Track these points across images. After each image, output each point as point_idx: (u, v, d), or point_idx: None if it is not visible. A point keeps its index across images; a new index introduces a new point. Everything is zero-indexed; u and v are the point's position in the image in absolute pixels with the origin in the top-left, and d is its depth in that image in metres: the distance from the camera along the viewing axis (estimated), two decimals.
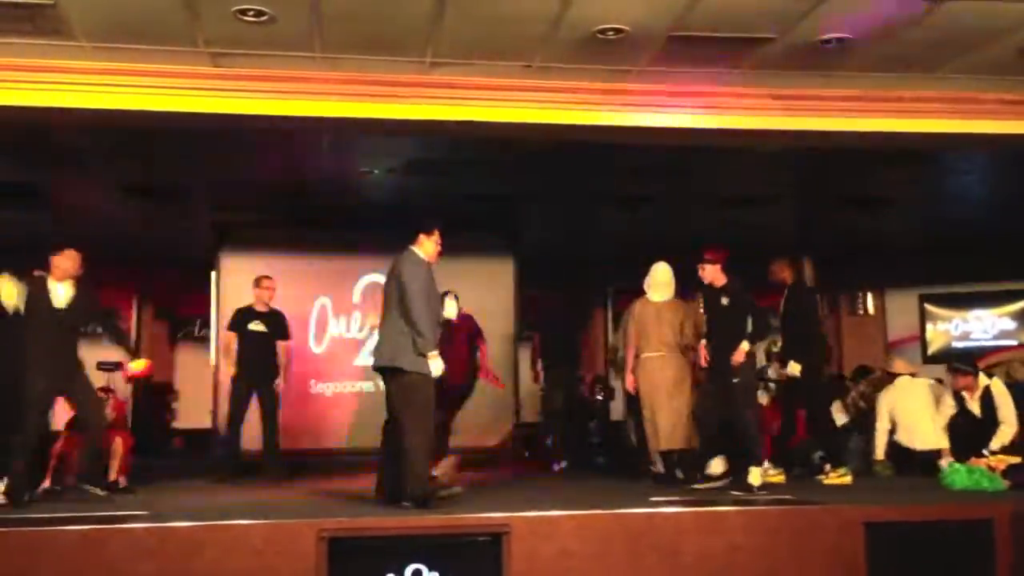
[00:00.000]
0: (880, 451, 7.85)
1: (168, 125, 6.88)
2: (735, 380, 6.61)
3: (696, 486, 6.63)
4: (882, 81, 6.65)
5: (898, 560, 5.30)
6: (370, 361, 6.47)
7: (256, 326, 8.20)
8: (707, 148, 7.80)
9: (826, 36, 5.95)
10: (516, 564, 4.92)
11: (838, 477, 7.11)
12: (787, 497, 5.95)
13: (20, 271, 6.45)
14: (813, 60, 6.30)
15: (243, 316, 8.28)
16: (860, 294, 13.52)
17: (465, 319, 8.06)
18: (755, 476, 6.45)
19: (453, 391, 7.59)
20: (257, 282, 8.42)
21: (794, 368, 7.42)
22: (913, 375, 8.25)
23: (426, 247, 6.07)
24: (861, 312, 13.51)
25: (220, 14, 5.51)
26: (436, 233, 6.11)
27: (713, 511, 5.44)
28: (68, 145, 7.80)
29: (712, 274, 6.97)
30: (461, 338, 8.03)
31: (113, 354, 9.08)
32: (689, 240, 11.58)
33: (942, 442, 7.55)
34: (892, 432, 7.87)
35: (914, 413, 7.81)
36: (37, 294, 6.41)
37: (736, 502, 5.73)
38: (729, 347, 6.67)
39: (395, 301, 5.84)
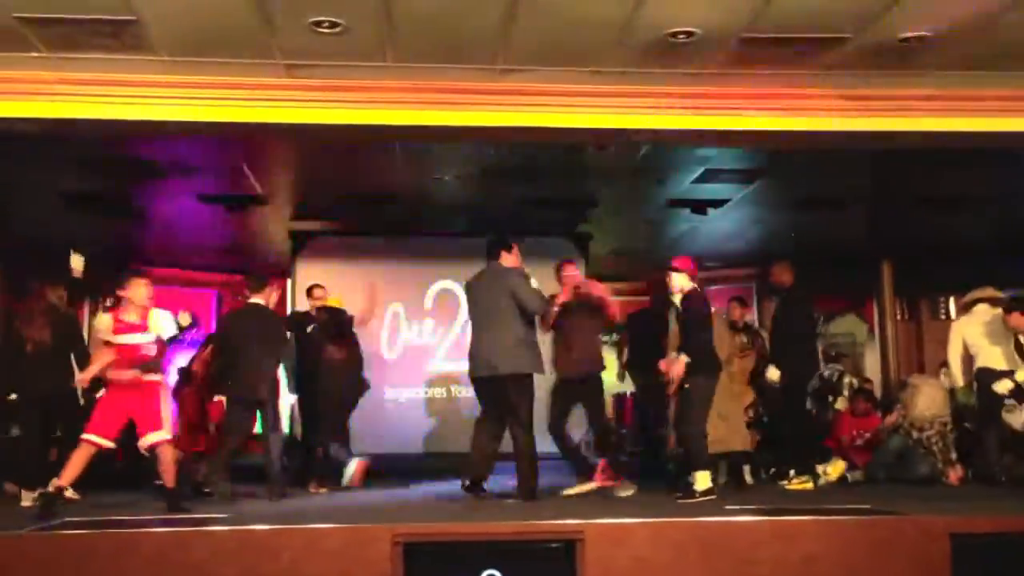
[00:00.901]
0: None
1: (245, 136, 7.05)
2: (685, 387, 6.54)
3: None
4: (962, 80, 6.48)
5: (985, 573, 5.12)
6: (445, 367, 6.68)
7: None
8: (779, 151, 7.70)
9: (904, 35, 5.82)
10: (589, 571, 4.88)
11: (800, 484, 7.03)
12: (865, 506, 5.80)
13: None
14: (890, 59, 6.16)
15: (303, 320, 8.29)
16: (942, 298, 13.17)
17: None
18: (701, 480, 6.36)
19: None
20: (309, 291, 8.39)
21: (773, 375, 7.42)
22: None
23: (512, 260, 6.72)
24: (943, 316, 13.15)
25: (295, 26, 5.62)
26: (515, 247, 6.76)
27: (789, 520, 5.33)
28: (149, 156, 8.01)
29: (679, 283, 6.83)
30: None
31: None
32: (761, 242, 11.68)
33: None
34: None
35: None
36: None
37: (813, 511, 5.61)
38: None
39: (511, 313, 6.44)
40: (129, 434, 6.19)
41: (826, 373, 9.87)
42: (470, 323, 6.76)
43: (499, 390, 6.43)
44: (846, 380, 9.78)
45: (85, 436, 5.89)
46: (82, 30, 5.66)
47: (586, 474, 6.96)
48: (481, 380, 6.55)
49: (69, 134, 6.86)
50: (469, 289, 6.85)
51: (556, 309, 7.02)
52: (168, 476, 6.06)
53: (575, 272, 7.55)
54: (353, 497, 6.96)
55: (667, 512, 5.55)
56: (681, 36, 5.80)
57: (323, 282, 8.50)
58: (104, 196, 9.18)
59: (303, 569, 4.80)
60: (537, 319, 6.77)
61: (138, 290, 6.16)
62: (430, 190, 9.18)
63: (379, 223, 10.42)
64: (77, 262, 7.07)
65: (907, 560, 5.07)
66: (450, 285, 10.50)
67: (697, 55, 6.09)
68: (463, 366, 7.05)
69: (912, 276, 12.30)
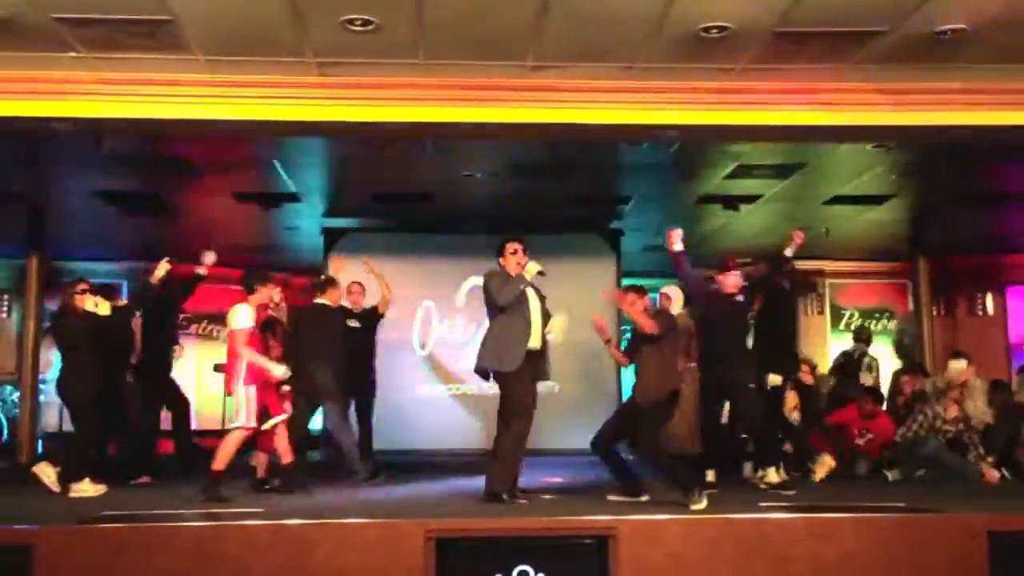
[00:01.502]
0: None
1: (278, 134, 7.10)
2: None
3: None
4: (1000, 73, 6.39)
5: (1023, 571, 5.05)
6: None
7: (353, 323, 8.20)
8: (815, 146, 7.62)
9: (941, 27, 5.74)
10: (622, 567, 4.88)
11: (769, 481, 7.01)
12: (901, 504, 5.74)
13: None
14: (927, 53, 6.09)
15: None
16: (979, 294, 12.99)
17: None
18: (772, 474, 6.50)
19: None
20: (348, 289, 8.40)
21: (775, 380, 7.35)
22: None
23: (504, 262, 6.36)
24: (980, 313, 12.97)
25: (328, 24, 5.66)
26: (508, 248, 6.35)
27: (825, 518, 5.28)
28: (185, 155, 8.10)
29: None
30: None
31: None
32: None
33: None
34: None
35: None
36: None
37: (849, 509, 5.55)
38: None
39: (489, 312, 6.32)
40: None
41: (849, 348, 10.18)
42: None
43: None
44: (866, 360, 9.74)
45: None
46: (119, 30, 5.73)
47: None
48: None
49: (106, 133, 6.94)
50: None
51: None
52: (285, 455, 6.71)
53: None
54: (386, 492, 6.98)
55: (704, 509, 5.54)
56: (714, 31, 5.77)
57: (355, 278, 8.54)
58: (139, 195, 9.29)
59: (336, 563, 4.84)
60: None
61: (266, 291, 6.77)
62: (462, 187, 9.19)
63: (411, 220, 10.46)
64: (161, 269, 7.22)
65: (944, 558, 5.02)
66: (482, 282, 10.48)
67: (730, 50, 6.06)
68: None
69: (949, 272, 12.16)
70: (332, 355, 7.52)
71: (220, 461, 6.25)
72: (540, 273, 6.29)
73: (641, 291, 6.58)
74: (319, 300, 7.78)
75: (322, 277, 8.08)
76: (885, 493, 6.78)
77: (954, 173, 8.72)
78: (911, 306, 12.29)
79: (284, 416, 6.71)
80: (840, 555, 5.00)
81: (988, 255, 12.30)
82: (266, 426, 6.57)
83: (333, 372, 7.49)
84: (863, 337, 10.42)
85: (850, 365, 10.03)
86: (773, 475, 7.00)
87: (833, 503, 5.82)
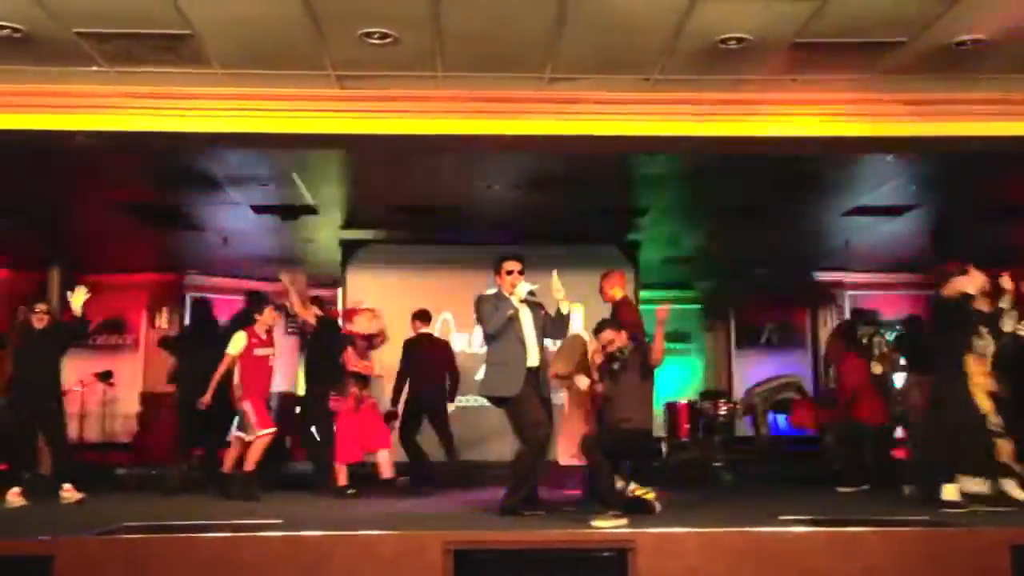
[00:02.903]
0: None
1: (297, 146, 7.14)
2: None
3: None
4: (1020, 83, 6.36)
5: None
6: None
7: None
8: (834, 157, 7.59)
9: (960, 38, 5.72)
10: None
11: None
12: (926, 518, 5.68)
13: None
14: (947, 63, 6.08)
15: None
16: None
17: None
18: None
19: None
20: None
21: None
22: None
23: (501, 281, 6.41)
24: None
25: (346, 38, 5.70)
26: (505, 266, 6.38)
27: (847, 532, 5.22)
28: (205, 168, 8.15)
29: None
30: None
31: None
32: (816, 250, 11.54)
33: None
34: None
35: None
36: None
37: (872, 522, 5.49)
38: None
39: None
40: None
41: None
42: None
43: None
44: (876, 340, 9.47)
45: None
46: (140, 44, 5.80)
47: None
48: None
49: (127, 146, 7.00)
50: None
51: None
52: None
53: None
54: (405, 504, 6.98)
55: (721, 522, 5.49)
56: (731, 42, 5.77)
57: (372, 290, 8.62)
58: (159, 207, 9.36)
59: (354, 575, 4.83)
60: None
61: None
62: (479, 199, 9.20)
63: (429, 232, 10.47)
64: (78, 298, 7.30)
65: (967, 573, 4.95)
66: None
67: (748, 61, 6.05)
68: None
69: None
70: (434, 379, 8.62)
71: (251, 463, 7.22)
72: (531, 293, 6.29)
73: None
74: (424, 330, 8.66)
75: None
76: (907, 506, 6.70)
77: (975, 184, 8.64)
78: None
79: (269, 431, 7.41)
80: (862, 569, 4.94)
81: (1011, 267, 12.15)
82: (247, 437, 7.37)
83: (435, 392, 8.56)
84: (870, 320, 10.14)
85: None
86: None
87: (855, 516, 5.76)
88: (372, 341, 8.22)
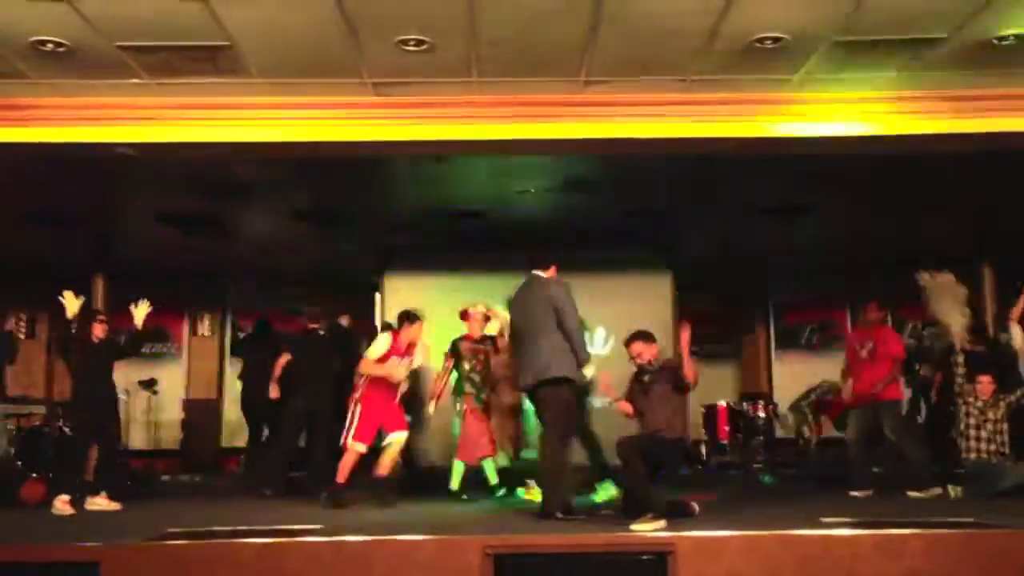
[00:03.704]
0: None
1: (336, 154, 7.20)
2: None
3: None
4: None
5: None
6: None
7: None
8: (874, 155, 7.50)
9: (1001, 33, 5.64)
10: None
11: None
12: (972, 520, 5.59)
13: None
14: (988, 59, 5.98)
15: None
16: None
17: None
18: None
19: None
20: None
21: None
22: None
23: (556, 275, 6.46)
24: None
25: (383, 46, 5.74)
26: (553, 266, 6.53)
27: (891, 534, 5.14)
28: (244, 177, 8.26)
29: None
30: None
31: None
32: (855, 249, 11.40)
33: None
34: None
35: None
36: None
37: (917, 524, 5.42)
38: None
39: (551, 323, 6.17)
40: None
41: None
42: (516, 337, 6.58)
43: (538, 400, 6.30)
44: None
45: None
46: (180, 56, 5.89)
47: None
48: (528, 392, 6.43)
49: (167, 157, 7.11)
50: (513, 304, 6.66)
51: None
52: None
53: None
54: (444, 508, 7.01)
55: (762, 524, 5.44)
56: (768, 42, 5.73)
57: (411, 295, 8.63)
58: (198, 215, 9.49)
59: None
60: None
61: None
62: (515, 203, 9.22)
63: (466, 236, 10.50)
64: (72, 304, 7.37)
65: (1012, 575, 4.87)
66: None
67: (786, 60, 6.02)
68: None
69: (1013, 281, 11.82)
70: None
71: (341, 475, 7.08)
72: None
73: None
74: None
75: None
76: (952, 507, 6.62)
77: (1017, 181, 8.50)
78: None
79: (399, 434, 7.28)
80: (906, 572, 4.87)
81: None
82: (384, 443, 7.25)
83: None
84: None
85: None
86: None
87: (899, 519, 5.69)
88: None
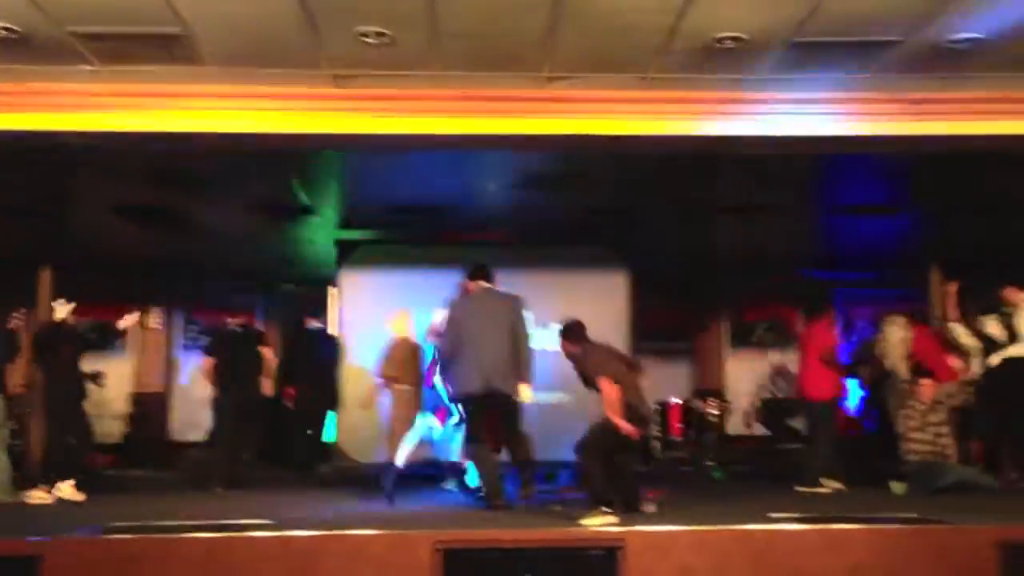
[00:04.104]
0: None
1: (293, 146, 7.12)
2: None
3: None
4: (1013, 82, 6.37)
5: None
6: None
7: None
8: (828, 155, 7.60)
9: (956, 36, 5.74)
10: None
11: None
12: (914, 515, 5.70)
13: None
14: (942, 62, 6.08)
15: None
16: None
17: None
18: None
19: None
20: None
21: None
22: None
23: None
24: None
25: (342, 36, 5.69)
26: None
27: (837, 529, 5.24)
28: (199, 167, 8.14)
29: None
30: None
31: None
32: (810, 249, 11.55)
33: None
34: None
35: None
36: None
37: (861, 520, 5.51)
38: None
39: (509, 334, 6.65)
40: None
41: None
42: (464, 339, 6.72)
43: (494, 404, 6.64)
44: None
45: None
46: (133, 43, 5.79)
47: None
48: (478, 396, 6.61)
49: (119, 146, 6.99)
50: (464, 307, 6.89)
51: None
52: None
53: None
54: (395, 503, 6.99)
55: (711, 520, 5.50)
56: (728, 41, 5.77)
57: (368, 290, 8.57)
58: (152, 208, 9.35)
59: (345, 574, 4.83)
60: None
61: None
62: (475, 198, 9.20)
63: (424, 232, 10.46)
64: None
65: (955, 570, 4.99)
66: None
67: (745, 60, 6.06)
68: None
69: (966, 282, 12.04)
70: None
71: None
72: None
73: None
74: None
75: None
76: (896, 503, 6.74)
77: (968, 182, 8.65)
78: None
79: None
80: (850, 566, 4.96)
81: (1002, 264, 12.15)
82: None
83: None
84: None
85: None
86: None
87: (844, 514, 5.78)
88: None
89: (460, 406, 7.00)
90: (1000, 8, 5.41)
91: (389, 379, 8.02)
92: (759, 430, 11.35)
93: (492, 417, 6.71)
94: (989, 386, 7.90)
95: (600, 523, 5.39)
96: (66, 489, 7.17)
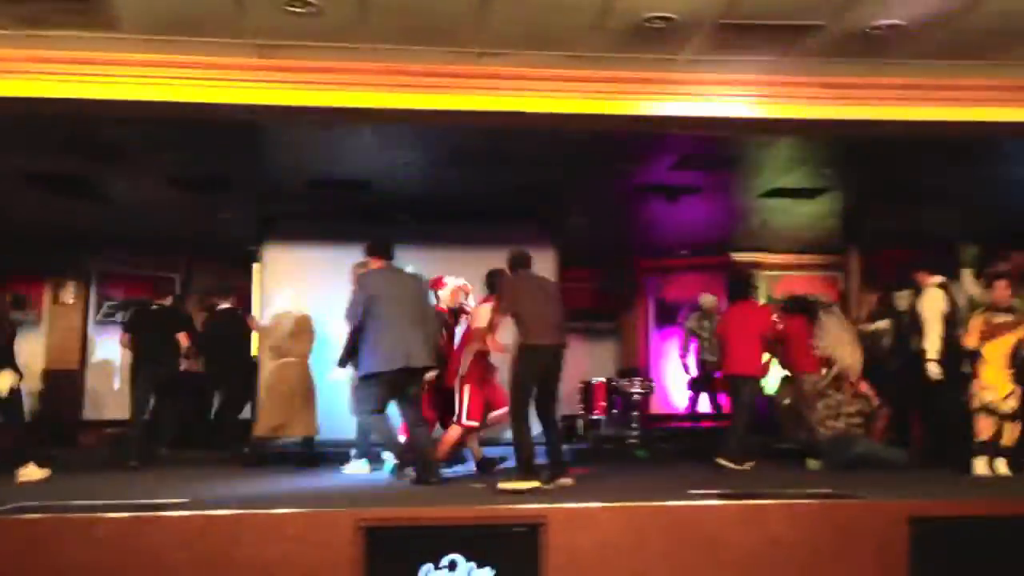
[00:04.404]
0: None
1: (215, 117, 6.94)
2: None
3: None
4: (936, 69, 6.51)
5: (944, 556, 5.16)
6: None
7: None
8: (754, 138, 7.71)
9: (877, 22, 5.84)
10: (553, 555, 4.88)
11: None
12: (829, 491, 5.85)
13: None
14: (864, 47, 6.18)
15: None
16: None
17: None
18: None
19: None
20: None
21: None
22: None
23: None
24: None
25: (267, 6, 5.55)
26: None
27: (754, 504, 5.36)
28: (117, 137, 7.90)
29: None
30: None
31: None
32: (728, 232, 11.75)
33: None
34: None
35: None
36: None
37: (778, 495, 5.64)
38: None
39: (421, 312, 6.89)
40: None
41: None
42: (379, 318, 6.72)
43: (409, 381, 6.75)
44: None
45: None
46: (49, 7, 5.56)
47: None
48: (398, 372, 6.63)
49: (33, 113, 6.73)
50: (378, 285, 6.88)
51: None
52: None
53: None
54: (319, 481, 6.92)
55: (633, 496, 5.56)
56: (657, 21, 5.78)
57: (291, 267, 8.47)
58: (68, 178, 9.04)
59: (264, 554, 4.75)
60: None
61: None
62: (401, 174, 9.10)
63: (349, 208, 10.31)
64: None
65: (868, 544, 5.14)
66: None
67: (674, 40, 6.08)
68: None
69: (881, 264, 12.39)
70: None
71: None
72: None
73: None
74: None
75: None
76: (812, 479, 6.92)
77: (887, 168, 8.87)
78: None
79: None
80: (768, 540, 5.07)
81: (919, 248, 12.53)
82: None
83: None
84: None
85: None
86: None
87: (762, 489, 5.90)
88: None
89: (371, 382, 6.72)
90: None
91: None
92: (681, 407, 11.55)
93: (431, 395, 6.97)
94: (899, 367, 8.15)
95: (521, 487, 5.43)
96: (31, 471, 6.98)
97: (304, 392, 8.22)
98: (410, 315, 6.73)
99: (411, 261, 7.59)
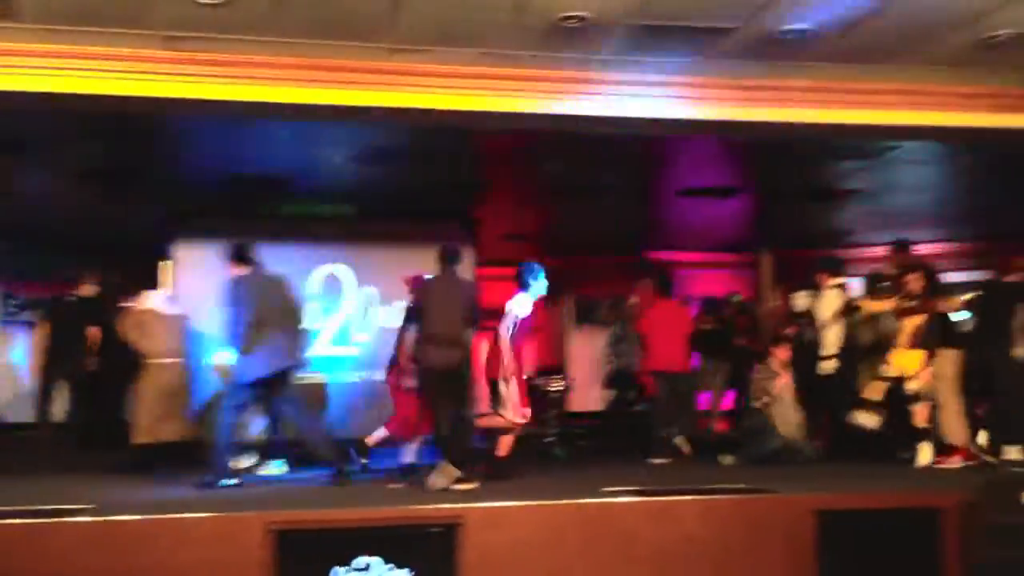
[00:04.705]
0: None
1: (121, 110, 6.73)
2: None
3: None
4: (842, 72, 6.68)
5: (849, 548, 5.34)
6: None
7: None
8: (667, 138, 7.80)
9: (787, 27, 5.96)
10: (469, 555, 4.89)
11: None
12: (741, 486, 5.96)
13: None
14: (774, 51, 6.32)
15: None
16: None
17: None
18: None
19: None
20: None
21: None
22: None
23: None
24: None
25: None
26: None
27: (667, 500, 5.44)
28: (18, 130, 7.60)
29: None
30: None
31: None
32: (645, 230, 11.89)
33: None
34: None
35: None
36: None
37: (692, 491, 5.72)
38: None
39: (293, 314, 7.02)
40: None
41: None
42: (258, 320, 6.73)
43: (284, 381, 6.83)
44: None
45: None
46: None
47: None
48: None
49: None
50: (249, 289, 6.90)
51: None
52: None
53: None
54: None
55: (549, 495, 5.58)
56: (572, 20, 5.81)
57: (205, 264, 8.25)
58: None
59: (174, 559, 4.68)
60: None
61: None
62: (318, 170, 8.98)
63: (265, 204, 10.13)
64: None
65: (778, 537, 5.27)
66: (336, 269, 10.34)
67: (588, 40, 6.12)
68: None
69: (791, 264, 12.69)
70: None
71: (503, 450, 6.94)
72: None
73: None
74: None
75: None
76: (727, 474, 7.05)
77: (797, 169, 9.07)
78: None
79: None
80: (681, 536, 5.16)
81: (827, 249, 12.87)
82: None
83: None
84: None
85: None
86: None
87: (676, 486, 5.99)
88: None
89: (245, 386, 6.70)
90: (830, 1, 5.66)
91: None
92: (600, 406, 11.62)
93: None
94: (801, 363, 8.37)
95: (444, 481, 5.43)
96: None
97: (180, 393, 7.93)
98: (287, 318, 6.86)
99: (336, 258, 7.48)
